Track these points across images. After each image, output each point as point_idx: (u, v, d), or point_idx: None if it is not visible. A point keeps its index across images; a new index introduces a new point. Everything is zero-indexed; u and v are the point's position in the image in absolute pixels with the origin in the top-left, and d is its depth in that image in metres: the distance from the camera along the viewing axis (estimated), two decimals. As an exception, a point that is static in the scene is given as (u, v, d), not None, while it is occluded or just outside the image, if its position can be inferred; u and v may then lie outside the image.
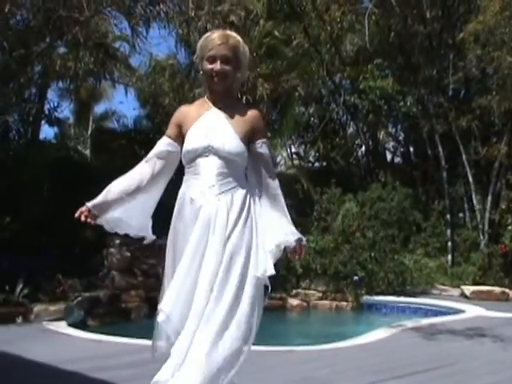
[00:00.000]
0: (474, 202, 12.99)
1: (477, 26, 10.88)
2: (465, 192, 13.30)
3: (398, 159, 17.37)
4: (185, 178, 2.82)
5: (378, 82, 12.98)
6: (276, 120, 13.70)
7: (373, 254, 10.68)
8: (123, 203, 2.83)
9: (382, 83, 12.95)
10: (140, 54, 12.57)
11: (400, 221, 12.13)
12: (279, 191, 2.85)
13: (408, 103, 13.68)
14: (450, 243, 12.92)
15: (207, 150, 2.73)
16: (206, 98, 2.91)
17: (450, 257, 12.74)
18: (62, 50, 11.99)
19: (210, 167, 2.73)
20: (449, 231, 13.07)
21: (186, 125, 2.82)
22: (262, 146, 2.82)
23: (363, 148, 16.45)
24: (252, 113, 2.88)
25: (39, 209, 9.25)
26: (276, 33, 12.98)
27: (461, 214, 13.90)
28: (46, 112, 12.79)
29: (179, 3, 10.50)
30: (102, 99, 19.64)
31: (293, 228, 2.80)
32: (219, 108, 2.83)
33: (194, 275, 2.62)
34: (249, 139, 2.79)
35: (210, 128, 2.77)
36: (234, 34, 2.91)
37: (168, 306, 2.62)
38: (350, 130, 16.94)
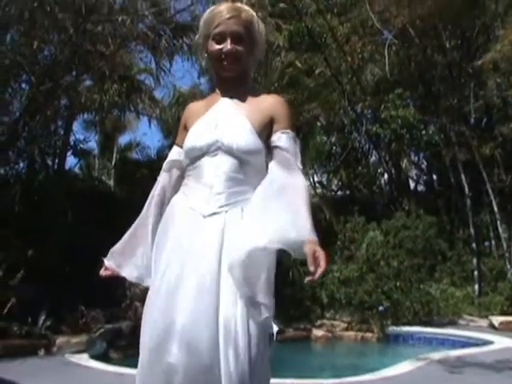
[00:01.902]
0: (500, 230, 12.85)
1: (495, 55, 10.91)
2: (490, 220, 13.17)
3: (421, 187, 17.30)
4: (183, 184, 2.23)
5: (400, 111, 12.99)
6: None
7: (398, 284, 10.56)
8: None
9: (404, 112, 12.96)
10: (164, 86, 12.79)
11: (425, 249, 12.02)
12: (304, 190, 2.09)
13: (430, 132, 13.66)
14: (476, 272, 12.75)
15: (215, 147, 2.13)
16: (216, 88, 2.33)
17: (476, 286, 12.55)
18: (87, 82, 12.24)
19: (217, 169, 2.12)
20: (475, 260, 12.91)
21: (191, 122, 2.27)
22: (280, 138, 2.13)
23: (386, 176, 16.42)
24: (272, 98, 2.25)
25: (62, 239, 9.36)
26: (297, 63, 13.15)
27: (486, 243, 13.75)
28: (72, 143, 12.97)
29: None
30: (126, 130, 19.95)
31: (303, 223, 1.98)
32: (230, 97, 2.23)
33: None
34: (267, 133, 2.16)
35: (219, 120, 2.18)
36: (246, 7, 2.32)
37: None
38: (373, 158, 16.93)
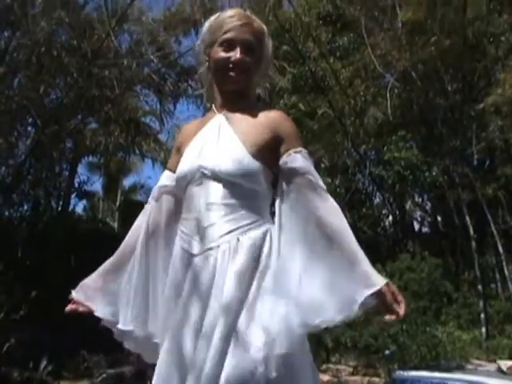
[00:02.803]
0: (506, 272, 12.74)
1: (497, 99, 11.01)
2: (495, 262, 13.08)
3: (425, 229, 17.26)
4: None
5: (403, 153, 13.05)
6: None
7: (404, 327, 10.42)
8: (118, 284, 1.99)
9: (407, 154, 13.01)
10: (169, 129, 12.91)
11: (431, 292, 11.91)
12: (341, 218, 1.80)
13: (433, 173, 13.69)
14: (482, 315, 12.59)
15: (199, 175, 1.87)
16: (213, 105, 2.03)
17: (483, 329, 12.38)
18: (93, 125, 12.37)
19: (204, 199, 1.84)
20: (481, 302, 12.76)
21: (184, 147, 1.99)
22: (295, 159, 1.86)
23: (390, 218, 16.39)
24: (273, 114, 1.95)
25: (66, 281, 9.29)
26: (301, 105, 13.29)
27: (492, 285, 13.63)
28: (76, 186, 13.04)
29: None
30: (130, 173, 20.05)
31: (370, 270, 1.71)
32: (226, 114, 1.96)
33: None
34: (272, 152, 1.87)
35: (205, 143, 1.91)
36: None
37: None
38: (377, 200, 16.94)
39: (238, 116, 1.95)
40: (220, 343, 1.67)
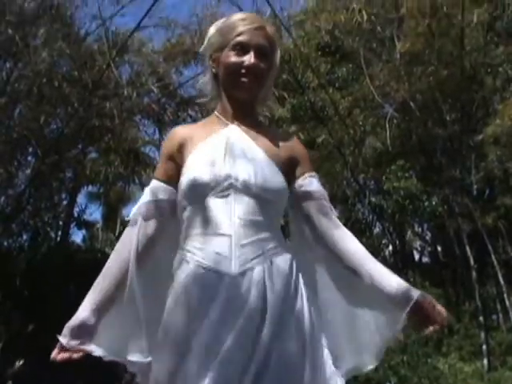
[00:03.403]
0: (507, 302, 12.65)
1: (495, 129, 11.06)
2: (496, 292, 13.00)
3: (426, 259, 17.20)
4: (183, 233, 1.74)
5: (402, 183, 13.05)
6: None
7: (405, 358, 10.33)
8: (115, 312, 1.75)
9: (406, 184, 13.02)
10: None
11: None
12: (357, 241, 1.84)
13: (433, 203, 13.68)
14: (484, 346, 12.46)
15: (227, 185, 1.68)
16: (216, 113, 1.87)
17: (485, 361, 12.25)
18: (93, 155, 12.42)
19: (232, 213, 1.66)
20: (482, 334, 12.64)
21: (186, 150, 1.79)
22: (312, 183, 1.83)
23: (390, 248, 16.33)
24: (289, 136, 1.92)
25: (64, 312, 9.23)
26: (300, 134, 13.33)
27: (494, 316, 13.52)
28: (76, 215, 13.02)
29: (206, 107, 10.95)
30: (130, 202, 20.05)
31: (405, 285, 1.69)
32: (239, 125, 1.81)
33: None
34: (288, 174, 1.80)
35: (231, 150, 1.74)
36: None
37: None
38: (377, 229, 16.90)
39: (253, 130, 1.82)
40: (277, 368, 1.57)
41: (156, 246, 1.79)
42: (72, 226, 13.41)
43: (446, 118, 13.44)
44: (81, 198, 14.99)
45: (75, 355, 1.71)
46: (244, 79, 1.78)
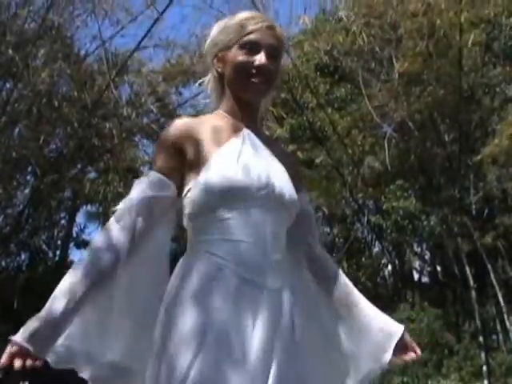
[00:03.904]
0: (507, 323, 12.59)
1: (493, 149, 11.10)
2: (496, 312, 12.94)
3: (425, 278, 17.14)
4: (207, 235, 1.58)
5: (401, 203, 13.06)
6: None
7: (405, 379, 10.27)
8: (87, 313, 1.54)
9: (405, 203, 13.02)
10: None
11: (431, 343, 11.75)
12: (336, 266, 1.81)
13: (432, 223, 13.68)
14: (485, 367, 12.38)
15: (265, 193, 1.58)
16: (222, 112, 1.75)
17: (486, 382, 12.16)
18: (92, 174, 12.43)
19: (269, 224, 1.58)
20: (483, 354, 12.57)
21: (200, 145, 1.63)
22: (305, 200, 1.80)
23: (389, 267, 16.29)
24: (288, 153, 1.87)
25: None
26: (299, 154, 13.36)
27: (494, 336, 13.44)
28: (74, 235, 13.01)
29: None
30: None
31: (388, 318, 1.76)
32: (250, 129, 1.71)
33: None
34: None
35: (259, 158, 1.64)
36: None
37: None
38: (376, 249, 16.88)
39: (262, 136, 1.74)
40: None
41: (143, 246, 1.61)
42: (71, 245, 13.39)
43: (445, 138, 13.49)
44: (80, 218, 14.99)
45: (19, 364, 1.46)
46: (254, 80, 1.68)
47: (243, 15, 1.74)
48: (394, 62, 12.40)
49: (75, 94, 9.82)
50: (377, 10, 10.86)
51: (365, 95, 12.80)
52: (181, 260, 1.63)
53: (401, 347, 1.71)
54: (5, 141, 9.10)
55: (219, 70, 1.74)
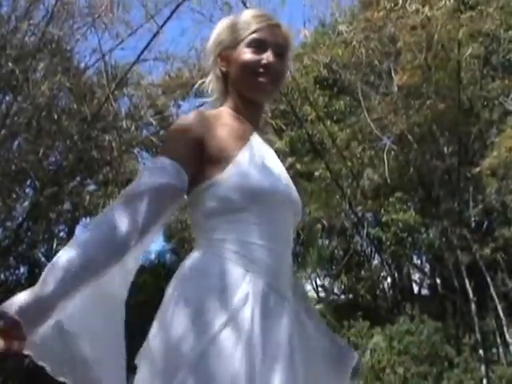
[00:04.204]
0: (507, 336, 12.56)
1: (493, 161, 11.12)
2: (496, 325, 12.90)
3: (425, 291, 17.10)
4: (222, 236, 1.52)
5: (400, 215, 13.06)
6: (299, 252, 13.73)
7: (404, 392, 10.24)
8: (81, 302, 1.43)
9: (405, 216, 13.03)
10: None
11: (431, 356, 11.71)
12: None
13: (431, 235, 13.68)
14: (485, 380, 12.34)
15: (285, 199, 1.58)
16: (230, 110, 1.70)
17: (486, 395, 12.13)
18: (91, 187, 12.42)
19: (284, 231, 1.57)
20: (483, 367, 12.52)
21: (222, 140, 1.57)
22: None
23: (389, 280, 16.26)
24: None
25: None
26: (298, 166, 13.39)
27: (494, 349, 13.40)
28: (73, 248, 12.97)
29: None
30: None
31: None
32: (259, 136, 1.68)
33: None
34: None
35: (277, 163, 1.65)
36: None
37: None
38: (375, 261, 16.84)
39: (267, 141, 1.72)
40: None
41: (151, 232, 1.49)
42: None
43: (444, 151, 13.51)
44: (79, 230, 14.96)
45: (15, 348, 1.29)
46: (262, 79, 1.63)
47: (249, 13, 1.71)
48: (393, 74, 12.45)
49: (75, 106, 9.85)
50: (376, 24, 10.90)
51: (364, 108, 12.83)
52: (196, 258, 1.54)
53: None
54: (4, 154, 9.12)
55: (223, 69, 1.70)
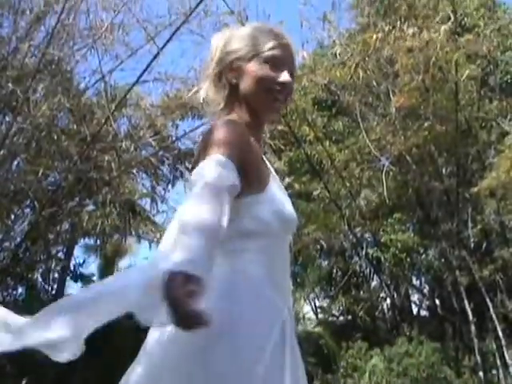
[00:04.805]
0: (506, 357, 12.48)
1: (491, 182, 11.14)
2: (496, 347, 12.83)
3: (424, 312, 17.03)
4: (248, 256, 1.50)
5: (399, 236, 13.06)
6: (298, 273, 13.70)
7: (404, 415, 10.15)
8: None
9: (403, 236, 13.03)
10: (165, 211, 12.97)
11: (430, 378, 11.62)
12: None
13: (430, 256, 13.67)
14: (485, 403, 12.26)
15: (294, 228, 1.63)
16: (240, 119, 1.63)
17: (486, 418, 12.02)
18: (90, 207, 12.41)
19: (287, 256, 1.59)
20: (483, 390, 12.44)
21: (254, 158, 1.55)
22: None
23: (388, 301, 16.20)
24: None
25: (58, 367, 9.08)
26: (297, 186, 13.41)
27: (494, 371, 13.31)
28: (72, 268, 12.94)
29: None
30: (126, 254, 19.93)
31: None
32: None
33: None
34: None
35: (285, 197, 1.62)
36: None
37: None
38: (374, 282, 16.80)
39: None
40: None
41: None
42: (67, 278, 13.31)
43: (442, 172, 13.54)
44: (77, 251, 14.93)
45: None
46: (277, 96, 1.62)
47: (266, 28, 1.67)
48: (391, 95, 12.52)
49: (74, 127, 9.88)
50: (374, 46, 10.98)
51: (362, 129, 12.89)
52: (221, 275, 1.43)
53: None
54: (3, 174, 9.13)
55: (233, 80, 1.64)
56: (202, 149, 1.52)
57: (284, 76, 1.61)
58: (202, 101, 1.74)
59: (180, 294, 1.17)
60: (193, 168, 1.50)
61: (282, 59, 1.62)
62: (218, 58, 1.68)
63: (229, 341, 1.40)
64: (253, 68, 1.60)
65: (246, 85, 1.62)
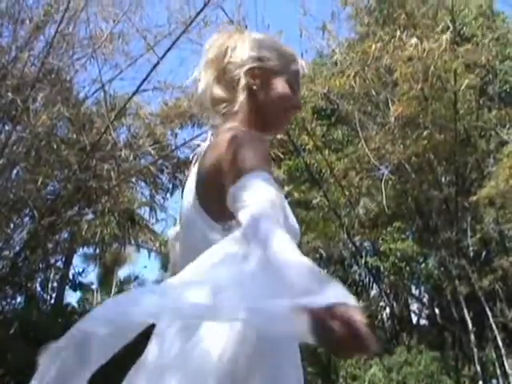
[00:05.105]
0: (507, 366, 12.45)
1: (490, 191, 11.15)
2: (496, 356, 12.79)
3: (423, 321, 17.00)
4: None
5: (398, 244, 13.06)
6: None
7: (404, 425, 10.11)
8: None
9: (402, 245, 13.02)
10: (164, 219, 12.97)
11: (430, 387, 11.60)
12: None
13: (430, 265, 13.66)
14: (485, 412, 12.22)
15: (297, 241, 1.53)
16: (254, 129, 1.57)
17: (486, 427, 11.98)
18: (89, 216, 12.40)
19: None
20: (483, 399, 12.41)
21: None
22: None
23: (387, 310, 16.16)
24: None
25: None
26: (295, 193, 13.42)
27: (494, 380, 13.27)
28: (71, 277, 12.92)
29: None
30: (125, 263, 19.94)
31: None
32: None
33: None
34: None
35: None
36: None
37: None
38: (373, 291, 16.77)
39: None
40: None
41: None
42: (66, 287, 13.29)
43: (441, 180, 13.56)
44: (76, 260, 14.93)
45: None
46: (290, 118, 1.72)
47: (287, 48, 1.68)
48: (390, 104, 12.54)
49: (74, 136, 9.90)
50: (373, 55, 11.01)
51: (361, 138, 12.91)
52: None
53: None
54: (3, 183, 9.13)
55: (254, 87, 1.60)
56: (225, 157, 1.41)
57: (300, 102, 1.69)
58: (200, 91, 1.68)
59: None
60: (202, 173, 1.47)
61: (299, 85, 1.67)
62: (238, 58, 1.63)
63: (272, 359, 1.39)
64: (279, 84, 1.61)
65: (267, 97, 1.61)
